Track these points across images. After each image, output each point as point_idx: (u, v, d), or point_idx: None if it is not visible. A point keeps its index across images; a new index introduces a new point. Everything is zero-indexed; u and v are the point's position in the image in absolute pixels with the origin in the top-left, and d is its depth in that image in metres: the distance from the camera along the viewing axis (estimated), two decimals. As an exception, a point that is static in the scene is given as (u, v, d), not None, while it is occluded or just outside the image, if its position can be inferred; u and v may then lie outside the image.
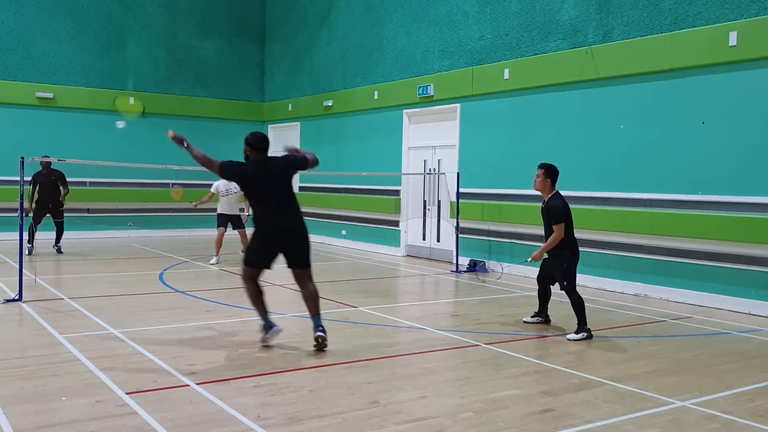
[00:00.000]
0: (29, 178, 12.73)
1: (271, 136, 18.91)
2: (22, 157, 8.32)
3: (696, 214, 9.10)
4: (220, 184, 12.23)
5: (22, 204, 8.22)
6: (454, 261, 12.30)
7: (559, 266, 7.08)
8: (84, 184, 16.05)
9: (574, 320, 7.74)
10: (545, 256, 7.18)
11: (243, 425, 4.28)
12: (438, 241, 13.57)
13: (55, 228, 13.22)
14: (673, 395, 5.06)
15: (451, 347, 6.53)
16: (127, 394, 4.80)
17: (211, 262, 12.26)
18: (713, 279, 8.92)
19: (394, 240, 14.48)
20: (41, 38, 16.10)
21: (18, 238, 8.34)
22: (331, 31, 16.44)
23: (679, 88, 9.36)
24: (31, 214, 12.93)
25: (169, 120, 17.66)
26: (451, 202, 12.82)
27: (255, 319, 7.61)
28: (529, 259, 7.29)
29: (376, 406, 4.70)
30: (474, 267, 11.96)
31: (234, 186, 12.05)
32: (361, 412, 4.61)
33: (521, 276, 11.21)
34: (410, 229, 14.26)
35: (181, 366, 5.55)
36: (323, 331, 6.14)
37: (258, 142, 6.15)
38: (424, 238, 13.97)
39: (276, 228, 6.13)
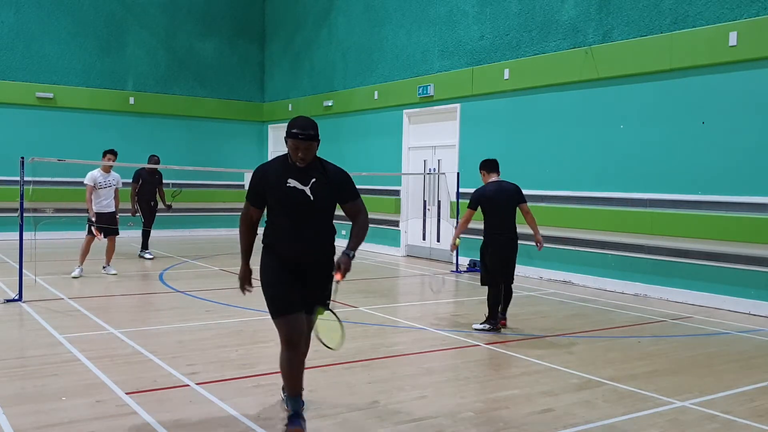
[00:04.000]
0: (29, 178, 12.49)
1: (271, 136, 19.05)
2: (22, 157, 8.32)
3: (696, 214, 9.10)
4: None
5: (22, 204, 8.21)
6: (454, 261, 12.29)
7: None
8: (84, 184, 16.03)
9: (573, 321, 7.76)
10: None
11: (243, 425, 4.28)
12: (438, 241, 13.57)
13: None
14: (673, 395, 5.05)
15: (451, 347, 6.53)
16: (127, 394, 4.80)
17: (74, 274, 10.38)
18: (713, 279, 8.92)
19: (394, 240, 14.48)
20: (41, 38, 16.10)
21: (18, 238, 8.33)
22: (331, 31, 16.44)
23: (679, 88, 9.36)
24: (138, 214, 12.76)
25: (169, 120, 17.70)
26: (451, 202, 12.81)
27: (254, 318, 7.63)
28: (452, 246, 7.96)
29: (376, 406, 4.70)
30: (474, 267, 11.95)
31: (112, 178, 10.62)
32: (361, 412, 4.61)
33: (521, 276, 11.19)
34: (410, 229, 14.26)
35: (181, 366, 5.54)
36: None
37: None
38: (424, 238, 13.97)
39: None
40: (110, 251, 10.79)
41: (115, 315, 7.75)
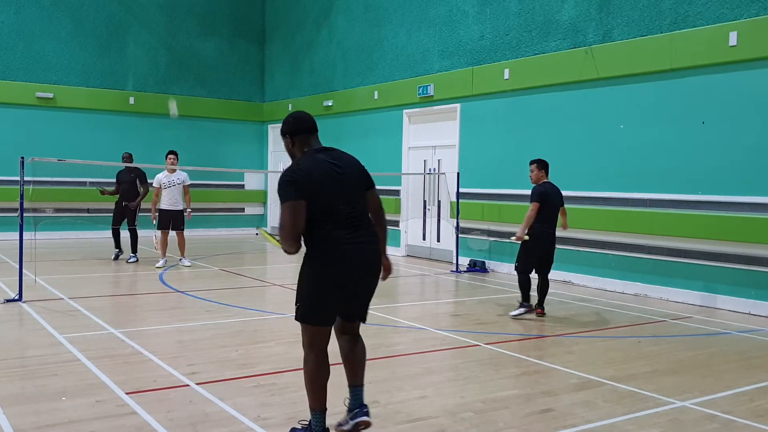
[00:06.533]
0: (29, 178, 12.35)
1: (271, 136, 19.04)
2: (22, 157, 8.32)
3: (696, 214, 9.10)
4: (161, 176, 11.49)
5: (22, 204, 8.21)
6: (454, 261, 12.30)
7: (519, 248, 8.05)
8: (84, 184, 16.04)
9: (573, 321, 7.77)
10: (526, 237, 7.93)
11: (243, 425, 4.28)
12: (438, 241, 13.57)
13: (129, 234, 12.12)
14: (673, 395, 5.06)
15: (451, 347, 6.53)
16: (127, 394, 4.80)
17: (159, 264, 11.37)
18: (713, 279, 8.92)
19: (394, 240, 14.47)
20: (41, 38, 16.11)
21: (18, 238, 8.33)
22: (331, 31, 16.44)
23: (679, 88, 9.36)
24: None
25: (169, 120, 17.65)
26: (451, 202, 12.82)
27: (254, 318, 7.63)
28: (513, 238, 8.16)
29: (376, 406, 4.69)
30: (474, 267, 11.97)
31: (176, 177, 11.42)
32: (361, 412, 4.60)
33: (521, 276, 11.21)
34: (410, 229, 14.26)
35: (181, 366, 5.54)
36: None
37: (305, 122, 4.04)
38: (424, 238, 13.97)
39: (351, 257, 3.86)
40: (182, 245, 11.71)
41: (115, 315, 7.75)
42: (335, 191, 3.81)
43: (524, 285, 7.96)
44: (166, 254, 11.63)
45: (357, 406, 3.99)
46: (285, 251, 3.67)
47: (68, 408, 4.51)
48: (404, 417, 4.50)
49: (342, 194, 3.84)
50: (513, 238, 8.10)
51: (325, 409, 3.90)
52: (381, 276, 4.07)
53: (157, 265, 11.37)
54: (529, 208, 7.86)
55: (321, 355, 3.89)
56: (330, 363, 3.95)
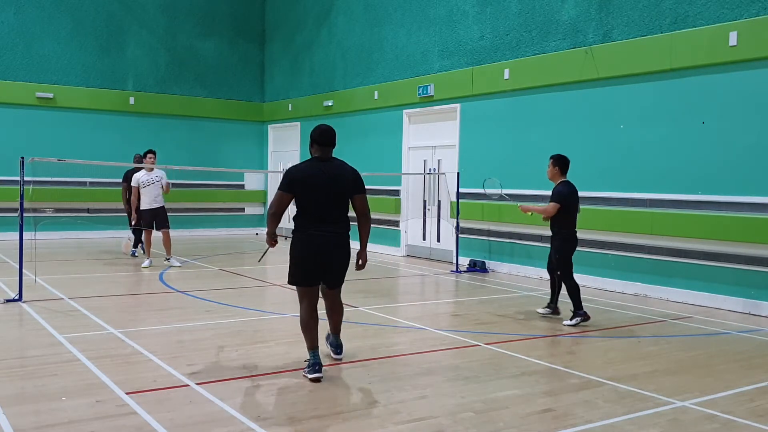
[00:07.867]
0: (29, 178, 12.39)
1: (271, 136, 19.04)
2: (22, 157, 8.31)
3: (696, 214, 9.10)
4: (139, 175, 11.67)
5: (22, 204, 8.21)
6: (454, 261, 12.30)
7: (553, 255, 7.81)
8: (84, 184, 16.06)
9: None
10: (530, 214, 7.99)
11: (243, 425, 4.28)
12: (438, 241, 13.57)
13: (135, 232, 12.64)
14: (673, 395, 5.06)
15: (451, 347, 6.53)
16: (127, 394, 4.80)
17: (144, 264, 11.35)
18: (713, 279, 8.92)
19: (394, 240, 14.48)
20: (41, 38, 16.10)
21: (18, 238, 8.33)
22: (331, 31, 16.44)
23: (679, 88, 9.36)
24: (132, 215, 12.45)
25: (169, 120, 17.70)
26: (451, 202, 12.82)
27: (254, 318, 7.64)
28: (519, 205, 8.22)
29: (376, 406, 4.70)
30: (474, 267, 11.97)
31: (155, 175, 11.56)
32: (361, 412, 4.61)
33: (521, 276, 11.21)
34: (410, 229, 14.26)
35: (181, 366, 5.54)
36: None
37: (324, 138, 5.43)
38: (424, 238, 13.97)
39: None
40: (167, 244, 11.71)
41: (115, 315, 7.75)
42: (315, 193, 5.21)
43: (575, 292, 7.53)
44: (152, 254, 11.67)
45: (335, 346, 5.81)
46: (267, 222, 5.35)
47: (68, 408, 4.52)
48: (404, 417, 4.50)
49: (320, 195, 5.23)
50: (520, 205, 8.08)
51: (317, 347, 5.34)
52: (356, 265, 5.48)
53: (143, 265, 11.35)
54: (550, 205, 7.61)
55: (308, 308, 5.34)
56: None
